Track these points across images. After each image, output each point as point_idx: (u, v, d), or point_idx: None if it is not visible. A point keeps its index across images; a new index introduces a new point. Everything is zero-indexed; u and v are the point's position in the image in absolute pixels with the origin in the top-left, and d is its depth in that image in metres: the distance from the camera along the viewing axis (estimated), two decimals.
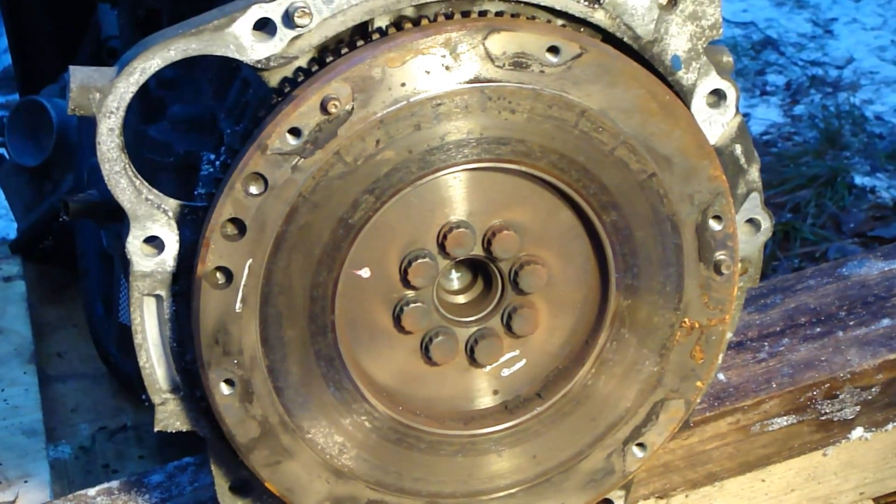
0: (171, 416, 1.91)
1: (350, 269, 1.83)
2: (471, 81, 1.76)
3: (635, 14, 1.84)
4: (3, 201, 3.40)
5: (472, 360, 1.94)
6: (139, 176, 1.78)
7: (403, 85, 1.74)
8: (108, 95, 1.72)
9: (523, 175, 1.85)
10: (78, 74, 1.73)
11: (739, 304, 2.03)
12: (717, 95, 1.90)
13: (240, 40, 1.73)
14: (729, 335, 2.00)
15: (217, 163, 1.83)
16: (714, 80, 1.89)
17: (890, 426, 2.36)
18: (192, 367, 1.86)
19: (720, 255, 1.92)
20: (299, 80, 1.76)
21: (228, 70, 2.03)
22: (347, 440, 1.90)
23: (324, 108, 1.72)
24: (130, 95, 1.73)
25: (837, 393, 2.32)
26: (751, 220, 1.99)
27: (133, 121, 2.27)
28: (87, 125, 2.59)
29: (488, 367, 1.95)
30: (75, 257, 3.02)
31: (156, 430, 1.91)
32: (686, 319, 1.95)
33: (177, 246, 1.81)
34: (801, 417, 2.31)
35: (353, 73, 1.73)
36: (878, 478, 2.38)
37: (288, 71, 1.77)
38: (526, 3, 1.81)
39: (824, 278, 2.56)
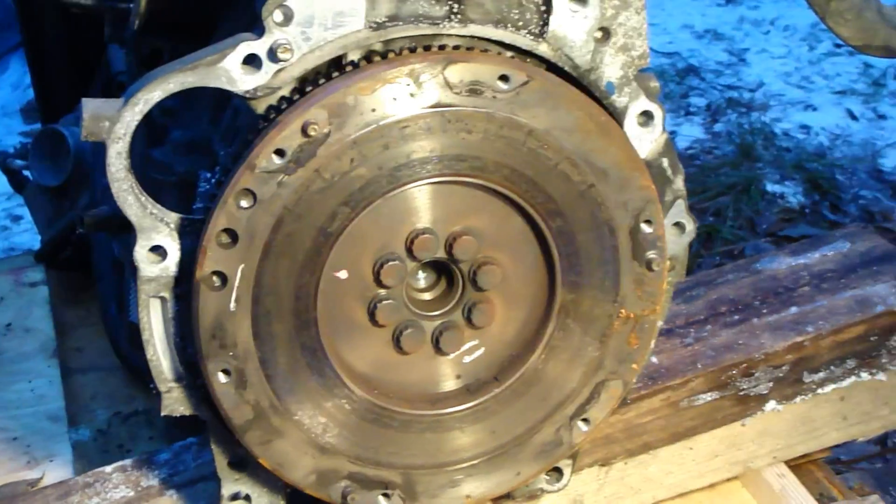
0: (175, 402, 1.89)
1: (330, 272, 1.82)
2: (432, 106, 1.75)
3: (574, 46, 1.83)
4: (29, 217, 3.36)
5: (438, 349, 1.93)
6: (144, 193, 1.76)
7: (374, 110, 1.73)
8: (116, 123, 1.71)
9: (479, 187, 1.84)
10: (90, 105, 1.71)
11: (668, 297, 2.03)
12: (647, 116, 1.89)
13: (230, 73, 1.72)
14: (660, 323, 2.00)
15: (212, 180, 1.81)
16: (643, 103, 1.88)
17: (798, 399, 2.36)
18: (193, 359, 1.84)
19: (651, 255, 1.92)
20: (283, 107, 1.74)
21: (221, 99, 2.01)
22: (330, 421, 1.89)
23: (304, 131, 1.71)
24: (136, 123, 1.71)
25: (753, 371, 2.32)
26: (677, 224, 1.98)
27: (139, 145, 2.23)
28: (99, 149, 2.57)
29: (452, 355, 1.94)
30: (91, 264, 2.99)
31: (162, 414, 1.90)
32: (623, 310, 1.94)
33: (178, 254, 1.80)
34: (723, 393, 2.31)
35: (330, 101, 1.71)
36: (788, 444, 2.38)
37: (273, 99, 1.75)
38: (479, 38, 1.81)
39: (741, 273, 2.56)
